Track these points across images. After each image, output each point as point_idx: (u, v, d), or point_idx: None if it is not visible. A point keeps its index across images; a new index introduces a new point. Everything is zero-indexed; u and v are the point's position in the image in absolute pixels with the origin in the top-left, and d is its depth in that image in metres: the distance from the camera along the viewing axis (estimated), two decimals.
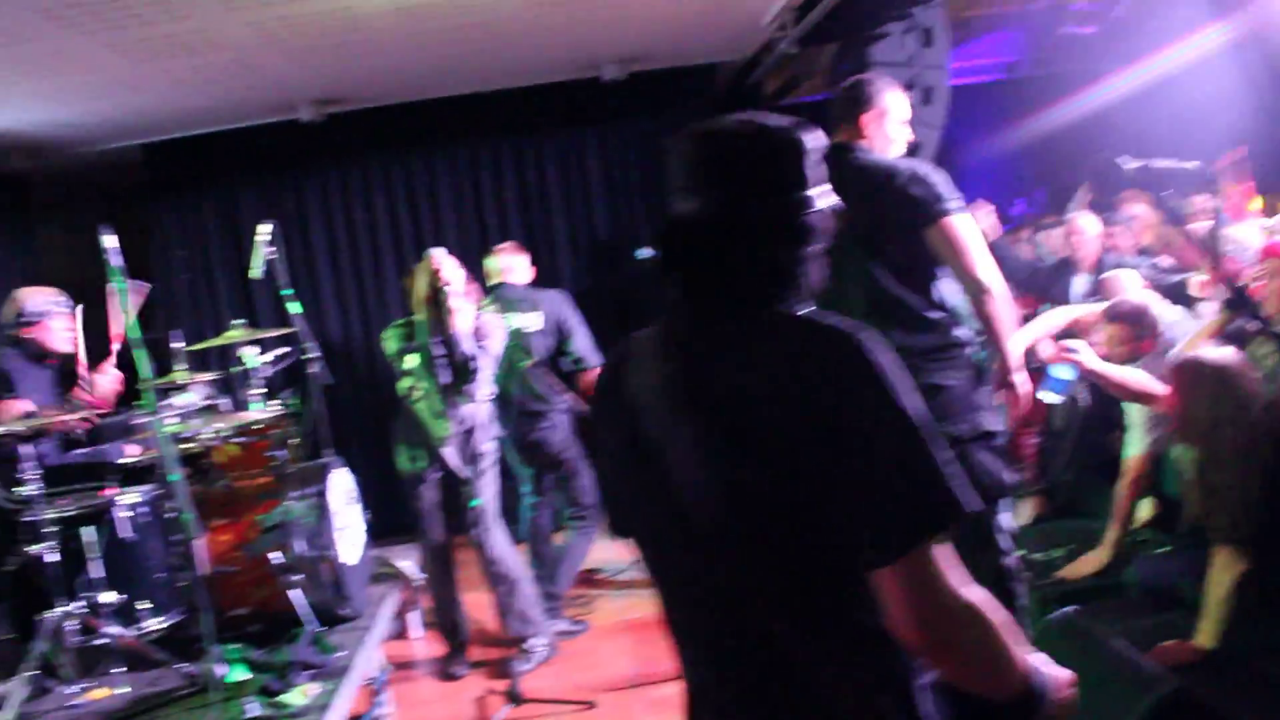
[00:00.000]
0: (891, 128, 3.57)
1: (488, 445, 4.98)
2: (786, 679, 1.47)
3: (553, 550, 5.92)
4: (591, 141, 7.75)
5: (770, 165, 1.53)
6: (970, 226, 3.38)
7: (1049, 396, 4.28)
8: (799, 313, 1.52)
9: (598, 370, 5.70)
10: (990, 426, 3.46)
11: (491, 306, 5.43)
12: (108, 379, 5.06)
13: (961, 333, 3.48)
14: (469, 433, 4.73)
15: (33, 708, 3.83)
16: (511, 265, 5.81)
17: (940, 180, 3.38)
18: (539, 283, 5.98)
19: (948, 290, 3.48)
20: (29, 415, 4.42)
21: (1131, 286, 4.92)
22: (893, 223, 3.37)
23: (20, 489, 3.93)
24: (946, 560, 1.39)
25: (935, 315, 3.44)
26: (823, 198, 1.56)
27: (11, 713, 3.63)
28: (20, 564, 3.99)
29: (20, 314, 4.86)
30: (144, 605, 4.13)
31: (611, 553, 6.53)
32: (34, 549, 3.90)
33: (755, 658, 1.50)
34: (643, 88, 7.55)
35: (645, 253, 5.82)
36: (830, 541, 1.42)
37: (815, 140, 1.57)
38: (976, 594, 1.41)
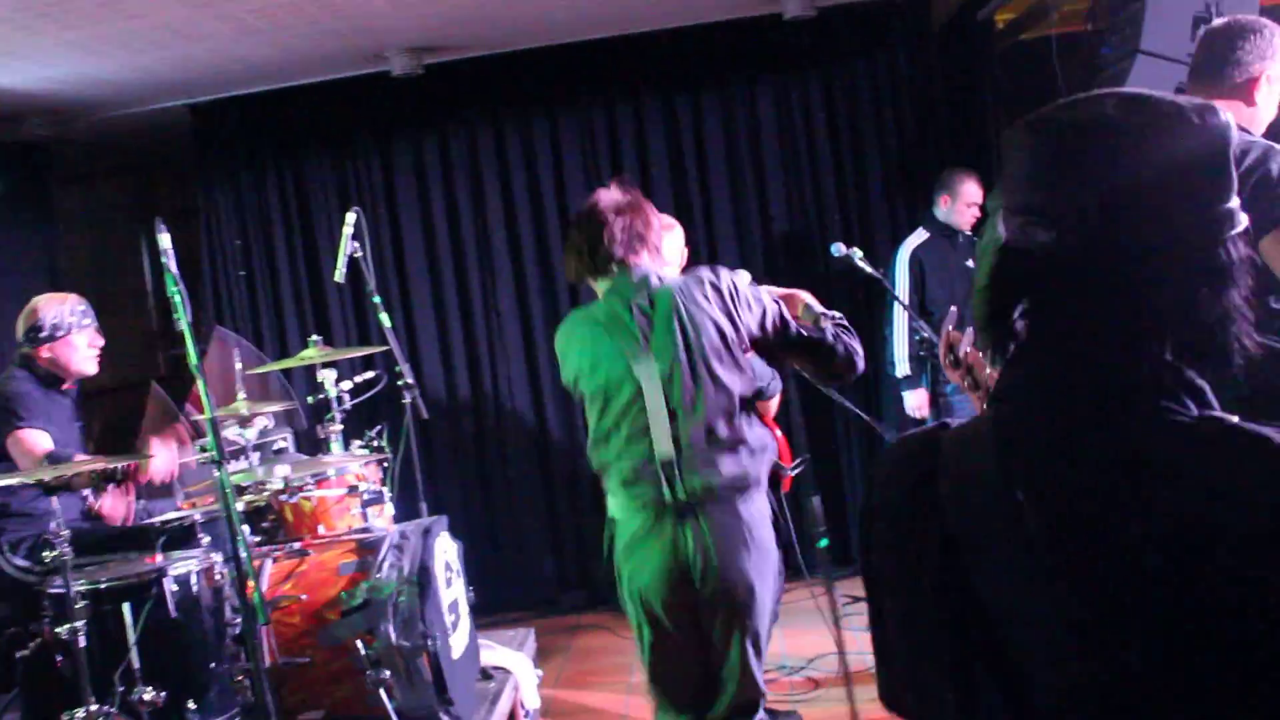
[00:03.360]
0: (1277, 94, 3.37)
1: None
2: None
3: None
4: (765, 95, 7.66)
5: (1185, 167, 1.37)
6: None
7: None
8: (1225, 418, 1.37)
9: (777, 397, 5.59)
10: None
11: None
12: (118, 501, 5.11)
13: None
14: None
15: None
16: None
17: None
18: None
19: None
20: (53, 456, 4.55)
21: None
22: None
23: (46, 553, 4.04)
24: None
25: None
26: (1240, 211, 1.42)
27: None
28: (40, 648, 4.11)
29: (37, 327, 4.96)
30: (191, 705, 4.21)
31: (783, 644, 6.44)
32: (60, 630, 4.01)
33: None
34: (836, 25, 7.43)
35: (840, 250, 5.66)
36: None
37: (1233, 129, 1.43)
38: None
